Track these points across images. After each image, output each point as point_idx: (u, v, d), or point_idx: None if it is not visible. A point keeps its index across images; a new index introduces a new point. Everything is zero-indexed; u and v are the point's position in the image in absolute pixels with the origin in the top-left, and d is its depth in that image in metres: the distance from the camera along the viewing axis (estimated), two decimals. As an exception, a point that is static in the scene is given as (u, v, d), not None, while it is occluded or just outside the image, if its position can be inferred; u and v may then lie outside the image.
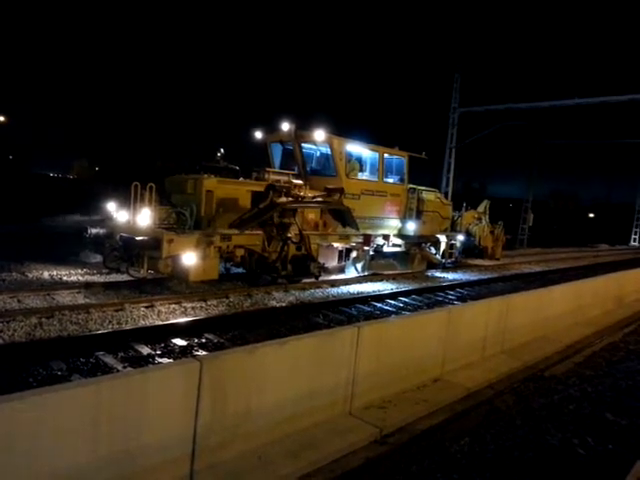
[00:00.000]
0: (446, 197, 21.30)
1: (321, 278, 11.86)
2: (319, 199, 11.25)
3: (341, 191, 11.37)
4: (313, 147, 13.13)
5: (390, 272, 14.02)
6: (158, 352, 6.54)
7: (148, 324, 7.57)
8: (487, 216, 18.94)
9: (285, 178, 11.60)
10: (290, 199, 10.35)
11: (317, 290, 11.28)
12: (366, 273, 13.36)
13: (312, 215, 11.71)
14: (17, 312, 7.37)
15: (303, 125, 12.26)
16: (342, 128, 13.05)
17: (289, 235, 10.64)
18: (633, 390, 6.35)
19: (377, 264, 13.96)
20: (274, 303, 9.66)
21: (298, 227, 10.83)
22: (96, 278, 10.47)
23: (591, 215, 79.94)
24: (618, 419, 5.38)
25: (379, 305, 10.43)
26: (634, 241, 43.01)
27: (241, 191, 10.45)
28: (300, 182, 11.70)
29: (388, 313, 9.77)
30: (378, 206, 13.31)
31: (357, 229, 11.91)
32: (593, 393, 6.11)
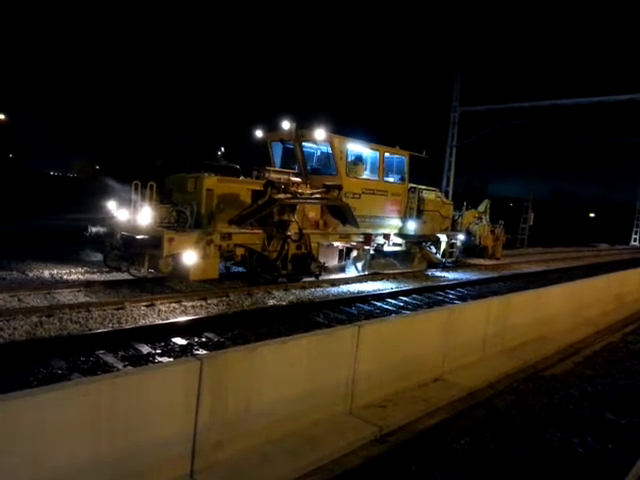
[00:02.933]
0: (447, 196, 21.31)
1: (321, 277, 11.86)
2: (317, 196, 11.24)
3: (340, 188, 11.39)
4: (314, 146, 13.13)
5: (390, 271, 14.02)
6: (158, 351, 6.54)
7: (148, 323, 7.58)
8: (487, 215, 18.94)
9: (285, 177, 11.60)
10: (288, 195, 10.36)
11: (317, 289, 11.28)
12: (366, 272, 13.37)
13: (312, 214, 11.71)
14: (17, 311, 7.37)
15: (304, 124, 12.26)
16: (343, 127, 13.06)
17: (289, 233, 10.65)
18: (633, 390, 6.35)
19: (377, 263, 13.97)
20: (274, 302, 9.66)
21: (298, 225, 10.84)
22: (97, 277, 10.47)
23: (591, 215, 79.88)
24: (618, 418, 5.38)
25: (379, 304, 10.43)
26: (634, 241, 42.99)
27: (241, 190, 10.45)
28: (298, 180, 11.68)
29: (388, 312, 9.77)
30: (379, 205, 13.31)
31: (357, 226, 11.89)
32: (593, 393, 6.12)
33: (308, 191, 11.42)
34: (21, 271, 10.39)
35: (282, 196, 10.16)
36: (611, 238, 42.94)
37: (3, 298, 8.15)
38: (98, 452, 3.00)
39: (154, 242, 8.87)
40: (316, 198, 11.22)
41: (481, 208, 19.12)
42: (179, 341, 6.96)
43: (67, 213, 20.91)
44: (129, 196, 9.75)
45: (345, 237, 12.58)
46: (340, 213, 11.58)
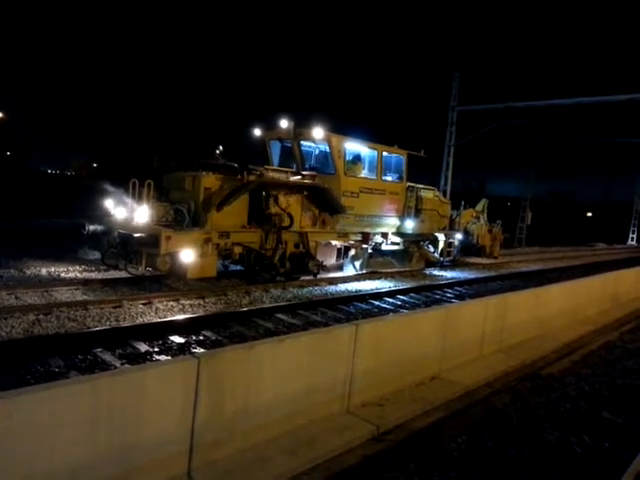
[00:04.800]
0: (445, 195, 21.33)
1: (319, 276, 11.87)
2: (294, 179, 11.29)
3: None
4: (312, 145, 13.10)
5: (388, 270, 14.03)
6: (156, 349, 6.54)
7: (146, 321, 7.57)
8: (485, 215, 18.98)
9: (283, 175, 11.58)
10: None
11: (315, 288, 11.28)
12: (364, 271, 13.37)
13: (310, 212, 11.70)
14: (15, 309, 7.36)
15: (302, 122, 12.24)
16: (341, 126, 13.04)
17: (283, 224, 10.63)
18: (630, 388, 6.37)
19: (375, 262, 13.97)
20: (272, 301, 9.66)
21: (287, 214, 10.77)
22: (94, 275, 10.46)
23: (589, 214, 80.00)
24: (615, 417, 5.40)
25: (377, 303, 10.44)
26: (632, 240, 43.11)
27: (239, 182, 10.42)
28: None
29: (386, 311, 9.78)
30: (377, 204, 13.31)
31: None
32: (590, 391, 6.13)
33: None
34: (19, 269, 10.36)
35: (254, 178, 10.23)
36: (609, 237, 43.05)
37: (0, 296, 8.13)
38: (96, 450, 3.00)
39: (151, 240, 8.85)
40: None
41: (479, 207, 19.16)
42: (177, 339, 6.95)
43: (65, 212, 20.83)
44: (125, 196, 9.74)
45: (343, 236, 12.59)
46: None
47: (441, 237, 15.85)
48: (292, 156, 12.70)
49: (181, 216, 9.79)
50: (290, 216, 10.79)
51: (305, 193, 11.44)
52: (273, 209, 10.60)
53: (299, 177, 11.48)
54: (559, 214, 69.71)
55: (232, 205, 10.03)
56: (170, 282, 10.19)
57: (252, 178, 10.20)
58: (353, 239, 12.88)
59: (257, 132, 13.24)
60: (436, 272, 15.51)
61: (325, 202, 11.65)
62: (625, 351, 8.26)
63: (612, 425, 5.21)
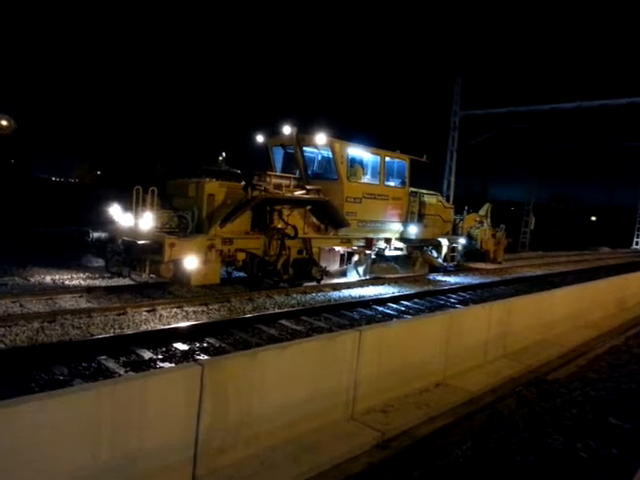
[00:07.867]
0: (447, 200, 21.29)
1: (323, 282, 11.85)
2: (298, 194, 11.27)
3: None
4: (314, 150, 13.14)
5: (392, 275, 14.01)
6: (160, 356, 6.54)
7: (150, 328, 7.57)
8: (489, 219, 18.91)
9: (286, 181, 11.60)
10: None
11: (319, 294, 11.27)
12: (368, 277, 13.36)
13: (312, 219, 11.70)
14: (19, 316, 7.38)
15: (305, 128, 12.28)
16: (344, 131, 13.04)
17: (286, 232, 10.63)
18: (636, 393, 6.32)
19: (379, 267, 13.95)
20: (276, 307, 9.65)
21: (291, 226, 10.78)
22: (98, 282, 10.47)
23: (593, 218, 79.69)
24: (621, 423, 5.35)
25: (381, 309, 10.42)
26: (636, 244, 42.93)
27: (242, 195, 10.45)
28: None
29: (390, 317, 9.76)
30: (380, 210, 13.31)
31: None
32: (596, 397, 6.09)
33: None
34: (23, 277, 10.39)
35: (258, 193, 10.22)
36: (613, 241, 42.89)
37: (5, 304, 8.15)
38: (99, 458, 2.99)
39: (155, 247, 8.87)
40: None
41: (482, 212, 19.10)
42: (180, 346, 6.95)
43: (69, 219, 20.90)
44: (129, 203, 9.77)
45: (346, 242, 12.58)
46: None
47: (444, 242, 15.82)
48: (295, 162, 12.73)
49: (185, 223, 9.82)
50: (294, 228, 10.82)
51: (309, 207, 11.46)
52: (277, 223, 10.61)
53: (303, 191, 11.46)
54: (563, 218, 69.50)
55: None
56: (174, 289, 10.20)
57: (256, 194, 10.20)
58: (356, 245, 12.88)
59: (260, 138, 13.28)
60: (440, 277, 15.47)
61: (329, 216, 11.66)
62: (631, 356, 8.21)
63: (619, 431, 5.17)
